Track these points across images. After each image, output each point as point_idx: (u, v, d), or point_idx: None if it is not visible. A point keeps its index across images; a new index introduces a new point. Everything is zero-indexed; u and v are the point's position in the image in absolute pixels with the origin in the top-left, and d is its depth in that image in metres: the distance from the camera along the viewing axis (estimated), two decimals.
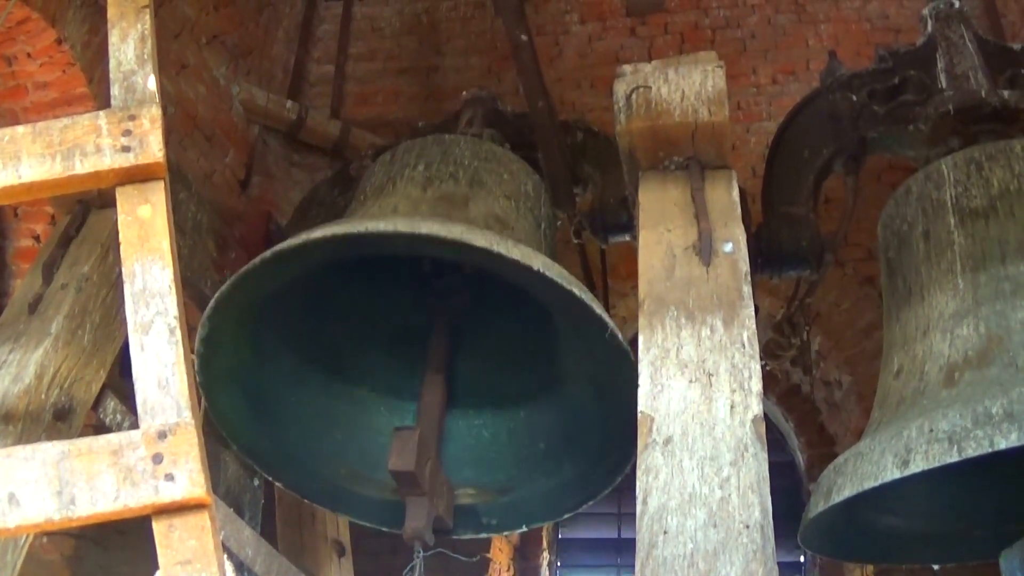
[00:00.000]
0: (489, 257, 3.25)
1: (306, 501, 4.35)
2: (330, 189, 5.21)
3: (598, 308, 3.39)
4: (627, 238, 4.41)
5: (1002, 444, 2.79)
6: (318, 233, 3.33)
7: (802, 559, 7.14)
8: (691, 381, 2.89)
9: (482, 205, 4.05)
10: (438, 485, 3.85)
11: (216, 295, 3.51)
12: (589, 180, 4.75)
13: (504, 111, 5.04)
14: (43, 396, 3.62)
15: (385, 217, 3.77)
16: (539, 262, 3.27)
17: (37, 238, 4.97)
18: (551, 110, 4.55)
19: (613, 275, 5.23)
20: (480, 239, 3.24)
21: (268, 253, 3.37)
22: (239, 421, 4.00)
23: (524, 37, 4.14)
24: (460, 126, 4.86)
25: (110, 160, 2.61)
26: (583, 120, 4.98)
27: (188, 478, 2.30)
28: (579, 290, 3.33)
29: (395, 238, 3.35)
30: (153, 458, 2.31)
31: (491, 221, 3.94)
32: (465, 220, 3.81)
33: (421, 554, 3.89)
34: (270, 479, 4.27)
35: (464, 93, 5.14)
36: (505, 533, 5.15)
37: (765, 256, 4.26)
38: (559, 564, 7.76)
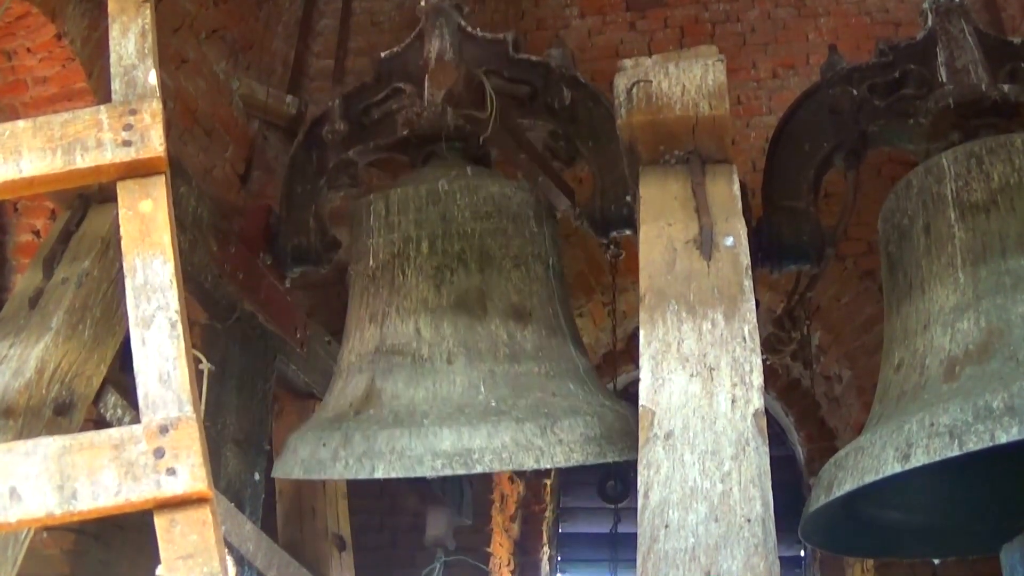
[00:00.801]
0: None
1: (307, 496, 4.35)
2: (308, 158, 5.06)
3: None
4: (627, 232, 4.40)
5: (1003, 438, 2.79)
6: None
7: (802, 553, 7.16)
8: (692, 375, 2.89)
9: (498, 298, 4.07)
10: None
11: None
12: (583, 157, 4.66)
13: (473, 33, 4.81)
14: (44, 391, 3.62)
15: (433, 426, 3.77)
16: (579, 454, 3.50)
17: (37, 233, 4.97)
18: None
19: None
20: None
21: None
22: None
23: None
24: (426, 52, 4.64)
25: (111, 155, 2.61)
26: (567, 64, 4.83)
27: (189, 472, 2.30)
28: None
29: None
30: (154, 452, 2.31)
31: (511, 324, 4.01)
32: (489, 338, 3.94)
33: (442, 559, 3.92)
34: None
35: (422, 3, 4.80)
36: None
37: (765, 250, 4.26)
38: (559, 558, 7.78)
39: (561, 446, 3.48)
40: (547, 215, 4.43)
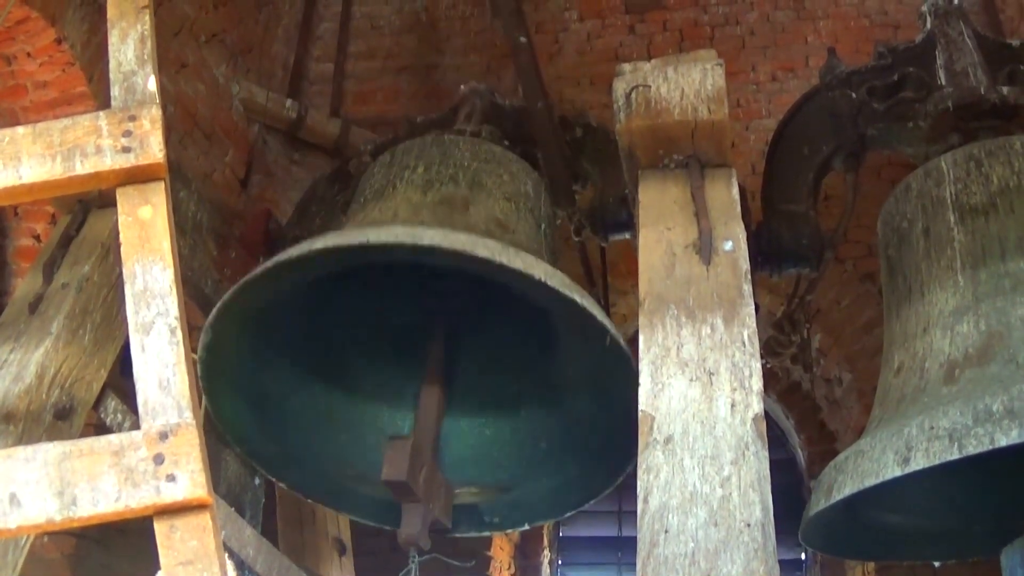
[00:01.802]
0: (491, 267, 3.25)
1: (307, 500, 4.36)
2: (329, 186, 5.20)
3: (599, 314, 3.38)
4: (627, 236, 4.41)
5: (1003, 441, 2.79)
6: (320, 244, 3.33)
7: (803, 556, 7.14)
8: (692, 380, 2.89)
9: (482, 208, 4.04)
10: (435, 489, 3.85)
11: (219, 303, 3.51)
12: (588, 177, 4.76)
13: (502, 105, 5.02)
14: (44, 396, 3.62)
15: (386, 225, 3.77)
16: (541, 271, 3.27)
17: (37, 237, 4.98)
18: (550, 110, 4.55)
19: (613, 273, 5.23)
20: (482, 249, 3.24)
21: (270, 263, 3.38)
22: (243, 425, 4.00)
23: (523, 39, 4.15)
24: (458, 121, 4.85)
25: (110, 161, 2.62)
26: (583, 115, 4.96)
27: (189, 479, 2.30)
28: (580, 297, 3.33)
29: (397, 248, 3.36)
30: (154, 458, 2.32)
31: (492, 225, 3.94)
32: (466, 225, 3.82)
33: (416, 559, 3.89)
34: (274, 480, 4.27)
35: (462, 87, 5.11)
36: (507, 531, 5.14)
37: (765, 253, 4.26)
38: (560, 562, 7.76)
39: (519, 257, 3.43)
40: (546, 195, 4.49)
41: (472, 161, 4.23)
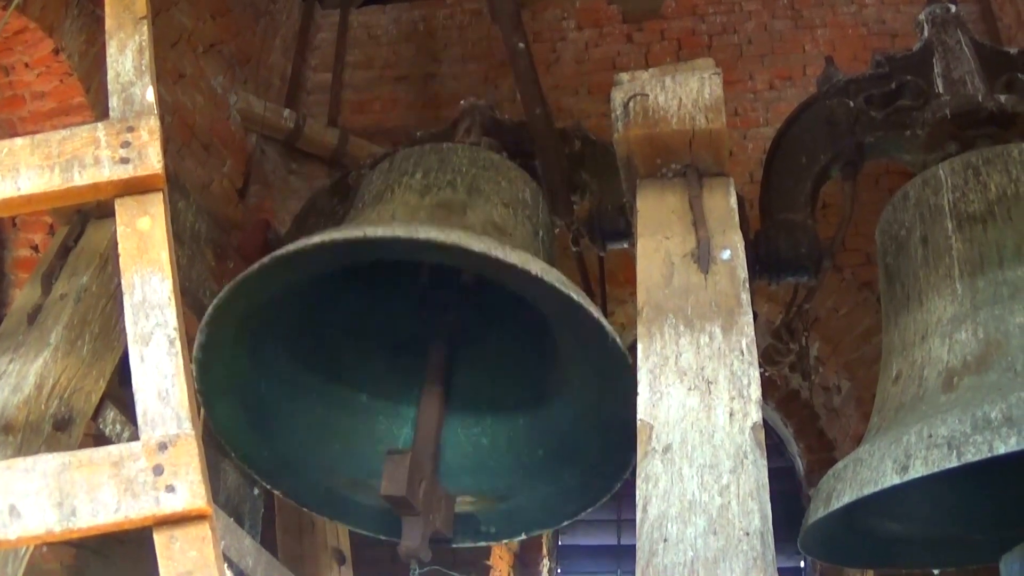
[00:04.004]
0: (487, 262, 3.24)
1: (305, 510, 4.35)
2: (329, 198, 5.21)
3: (597, 313, 3.38)
4: (625, 245, 4.41)
5: (1001, 449, 2.79)
6: (316, 238, 3.33)
7: (802, 564, 7.15)
8: (690, 389, 2.89)
9: (480, 212, 4.04)
10: (435, 501, 3.85)
11: (214, 302, 3.50)
12: (587, 188, 4.77)
13: (502, 120, 5.04)
14: (43, 406, 3.62)
15: (383, 223, 3.78)
16: (537, 266, 3.27)
17: (36, 248, 4.98)
18: (549, 117, 4.56)
19: (611, 282, 5.24)
20: (477, 243, 3.24)
21: (267, 259, 3.37)
22: (238, 429, 3.98)
23: (521, 45, 4.16)
24: (458, 135, 4.86)
25: (109, 172, 2.62)
26: (581, 128, 4.96)
27: (189, 489, 2.30)
28: (577, 295, 3.33)
29: (393, 243, 3.34)
30: (154, 469, 2.32)
31: (489, 228, 3.94)
32: (463, 226, 3.82)
33: (417, 572, 3.89)
34: (269, 488, 4.26)
35: (462, 103, 5.11)
36: (504, 541, 5.13)
37: (763, 262, 4.25)
38: (559, 571, 7.76)
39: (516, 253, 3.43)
40: (544, 204, 4.49)
41: (470, 167, 4.23)
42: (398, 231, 3.36)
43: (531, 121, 4.51)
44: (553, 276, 3.30)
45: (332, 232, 3.40)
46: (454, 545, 4.13)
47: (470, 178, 4.18)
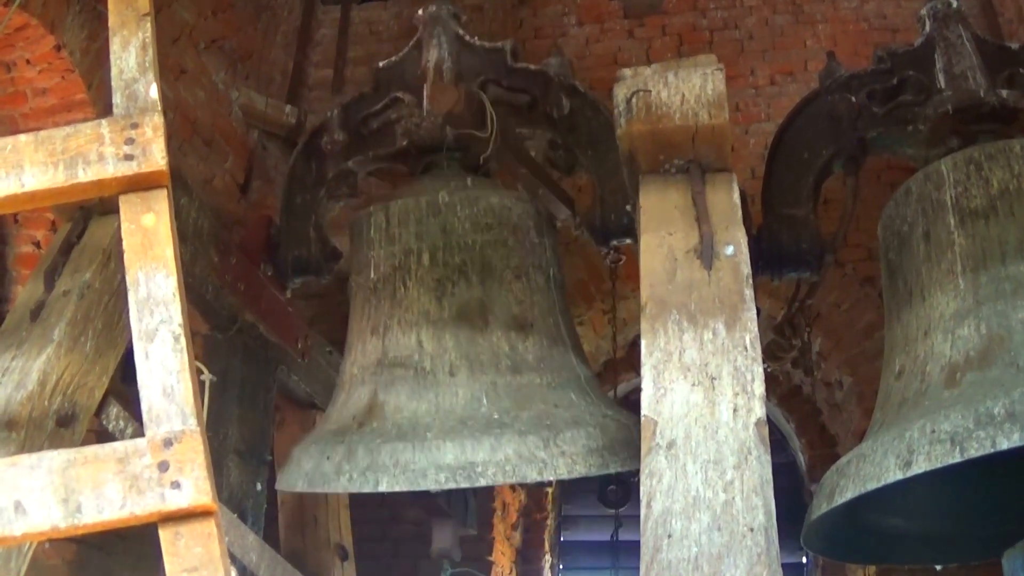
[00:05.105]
0: None
1: (309, 506, 4.35)
2: (306, 167, 5.01)
3: None
4: (628, 242, 4.40)
5: (1004, 444, 2.80)
6: None
7: (804, 560, 7.16)
8: (694, 385, 2.90)
9: (499, 310, 4.07)
10: None
11: None
12: (582, 167, 4.67)
13: (471, 42, 4.79)
14: (46, 403, 3.61)
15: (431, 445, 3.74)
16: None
17: (38, 244, 4.97)
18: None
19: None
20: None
21: None
22: None
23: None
24: (423, 62, 4.66)
25: (113, 168, 2.62)
26: (565, 73, 4.77)
27: (194, 486, 2.31)
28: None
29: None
30: (159, 466, 2.32)
31: (512, 333, 4.01)
32: (490, 348, 3.94)
33: (449, 571, 3.92)
34: None
35: (419, 12, 4.80)
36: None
37: (765, 258, 4.26)
38: (560, 566, 7.78)
39: (564, 458, 3.48)
40: (547, 226, 4.43)
41: (474, 235, 4.20)
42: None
43: (525, 162, 4.50)
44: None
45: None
46: None
47: (478, 252, 4.17)
